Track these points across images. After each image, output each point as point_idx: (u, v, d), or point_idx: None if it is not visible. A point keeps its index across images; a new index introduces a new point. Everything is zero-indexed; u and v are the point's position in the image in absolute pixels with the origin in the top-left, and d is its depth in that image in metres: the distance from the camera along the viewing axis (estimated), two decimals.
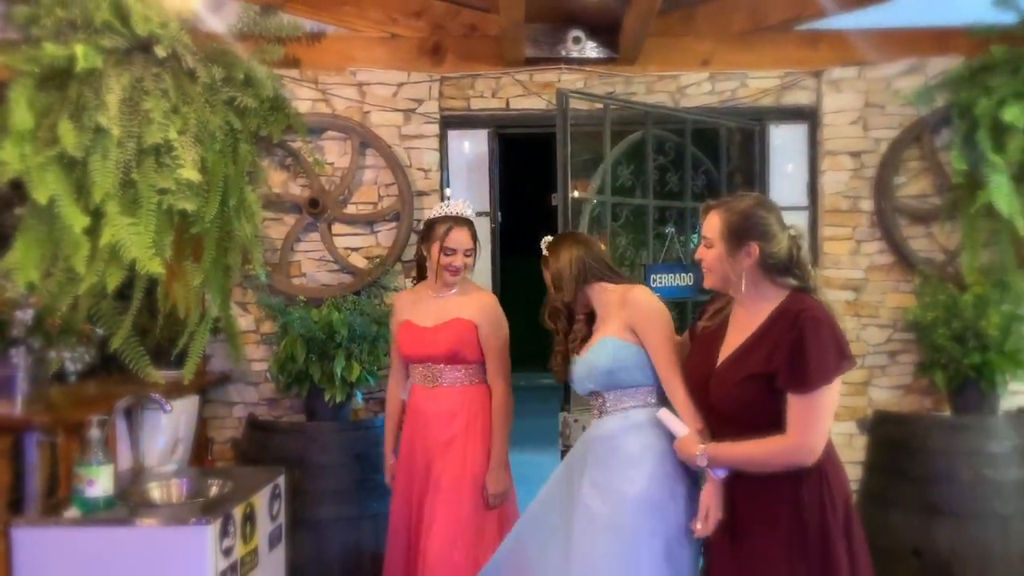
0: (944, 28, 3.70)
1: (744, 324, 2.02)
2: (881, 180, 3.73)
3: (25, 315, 2.61)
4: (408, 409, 2.87)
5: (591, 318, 2.36)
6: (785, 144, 3.89)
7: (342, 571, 3.23)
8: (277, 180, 3.68)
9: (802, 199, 3.87)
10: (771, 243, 1.98)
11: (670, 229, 3.69)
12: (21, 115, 2.60)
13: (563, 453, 3.13)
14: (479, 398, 2.80)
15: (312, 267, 3.72)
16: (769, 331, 1.95)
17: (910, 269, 3.73)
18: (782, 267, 1.99)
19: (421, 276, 2.95)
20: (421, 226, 2.95)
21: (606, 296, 2.30)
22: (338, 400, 3.32)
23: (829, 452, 1.95)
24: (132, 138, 2.70)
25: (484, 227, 3.78)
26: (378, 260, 3.67)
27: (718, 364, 2.03)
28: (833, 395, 1.91)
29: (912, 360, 3.73)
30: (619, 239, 3.66)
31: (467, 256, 2.78)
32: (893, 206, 3.73)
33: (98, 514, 2.37)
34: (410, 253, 3.61)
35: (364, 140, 3.69)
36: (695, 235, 3.68)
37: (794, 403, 1.88)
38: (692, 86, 3.83)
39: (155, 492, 2.66)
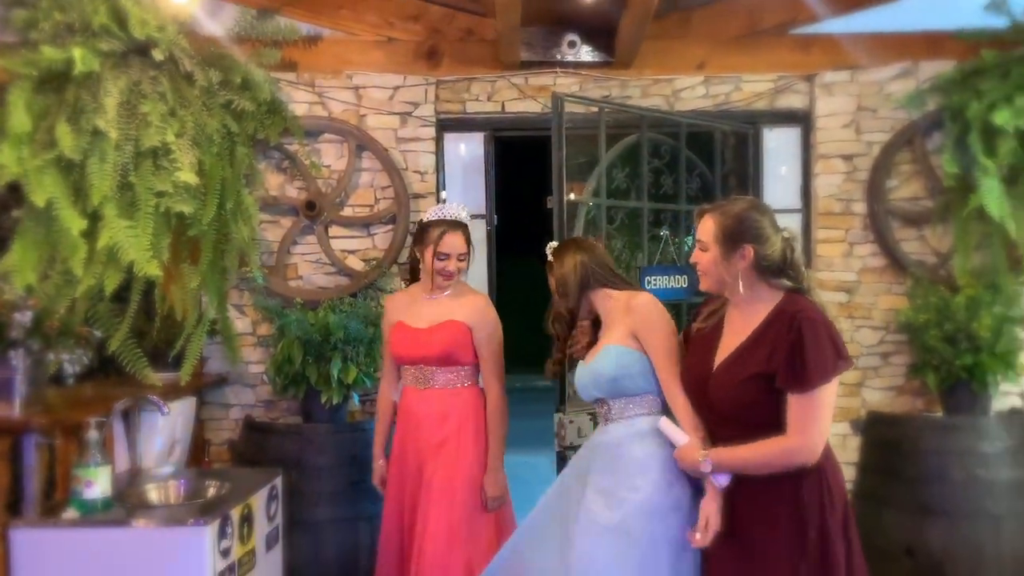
0: (935, 32, 3.73)
1: (740, 325, 2.05)
2: (874, 183, 3.76)
3: (24, 317, 2.62)
4: (400, 411, 2.86)
5: (596, 324, 2.36)
6: (778, 147, 3.92)
7: (339, 572, 3.23)
8: (274, 183, 3.70)
9: (795, 202, 3.90)
10: (765, 245, 2.01)
11: (665, 232, 3.71)
12: (19, 118, 2.61)
13: (559, 454, 3.15)
14: (471, 400, 2.80)
15: (309, 269, 3.73)
16: (766, 332, 1.98)
17: (902, 271, 3.76)
18: (776, 269, 2.01)
19: (414, 278, 2.95)
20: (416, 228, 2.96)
21: (610, 302, 2.30)
22: (335, 402, 3.33)
23: (827, 452, 1.98)
24: (130, 141, 2.71)
25: (480, 229, 3.80)
26: (375, 262, 3.69)
27: (716, 365, 2.05)
28: (832, 394, 1.94)
29: (904, 361, 3.75)
30: (614, 242, 3.69)
31: (461, 260, 2.78)
32: (885, 209, 3.76)
33: (96, 515, 2.37)
34: (406, 255, 3.62)
35: (360, 143, 3.70)
36: (689, 238, 3.70)
37: (794, 403, 1.91)
38: (687, 90, 3.85)
39: (153, 493, 2.66)
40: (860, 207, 3.80)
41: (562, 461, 3.18)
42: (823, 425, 1.93)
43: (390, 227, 3.72)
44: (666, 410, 2.20)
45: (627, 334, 2.22)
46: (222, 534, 2.40)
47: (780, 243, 2.03)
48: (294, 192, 3.72)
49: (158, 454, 2.88)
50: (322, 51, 3.71)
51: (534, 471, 4.54)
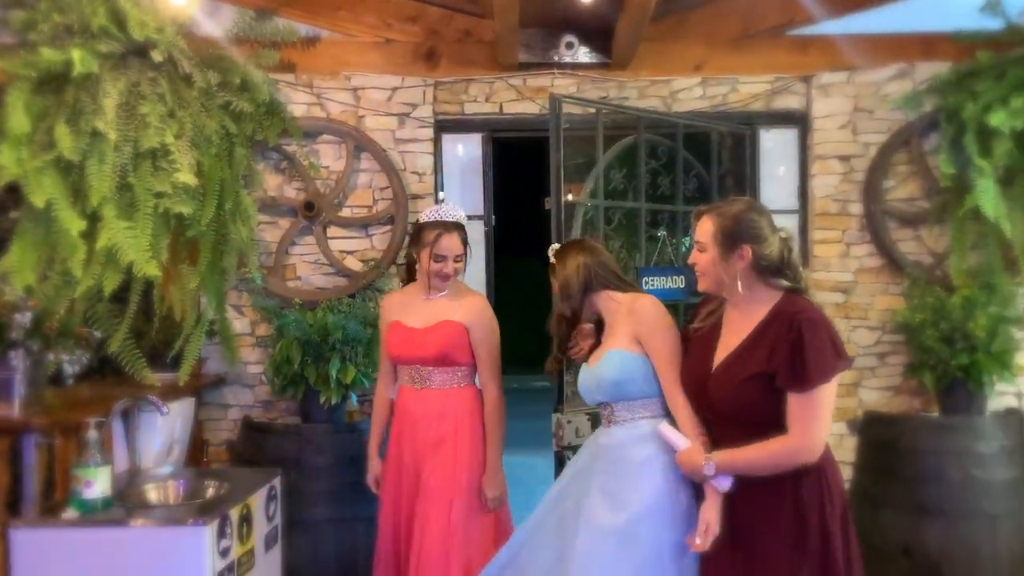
0: (931, 34, 3.75)
1: (739, 325, 2.06)
2: (870, 184, 3.78)
3: (23, 318, 2.62)
4: (396, 411, 2.86)
5: (599, 326, 2.36)
6: (775, 148, 3.94)
7: (337, 572, 3.24)
8: (272, 184, 3.70)
9: (792, 202, 3.91)
10: (763, 245, 2.02)
11: (662, 232, 3.72)
12: (18, 119, 2.61)
13: (557, 454, 3.16)
14: (468, 400, 2.80)
15: (307, 270, 3.74)
16: (765, 332, 2.00)
17: (899, 272, 3.77)
18: (774, 269, 2.03)
19: (411, 277, 2.94)
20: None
21: (613, 305, 2.30)
22: (333, 402, 3.34)
23: (826, 451, 2.00)
24: (129, 142, 2.72)
25: (478, 230, 3.81)
26: (373, 263, 3.69)
27: (715, 365, 2.06)
28: (831, 394, 1.95)
29: (901, 361, 3.77)
30: (612, 242, 3.69)
31: (457, 262, 2.77)
32: (882, 209, 3.77)
33: (96, 515, 2.38)
34: (405, 256, 3.63)
35: (359, 144, 3.71)
36: (687, 238, 3.71)
37: (795, 402, 1.93)
38: (684, 91, 3.87)
39: (152, 493, 2.67)
40: (857, 208, 3.81)
41: (560, 461, 3.19)
42: (824, 424, 1.95)
43: (388, 228, 3.73)
44: (668, 413, 2.20)
45: (630, 338, 2.21)
46: (221, 534, 2.40)
47: (778, 243, 2.05)
48: (293, 193, 3.73)
49: (157, 454, 2.89)
50: (320, 52, 3.71)
51: (532, 471, 4.54)
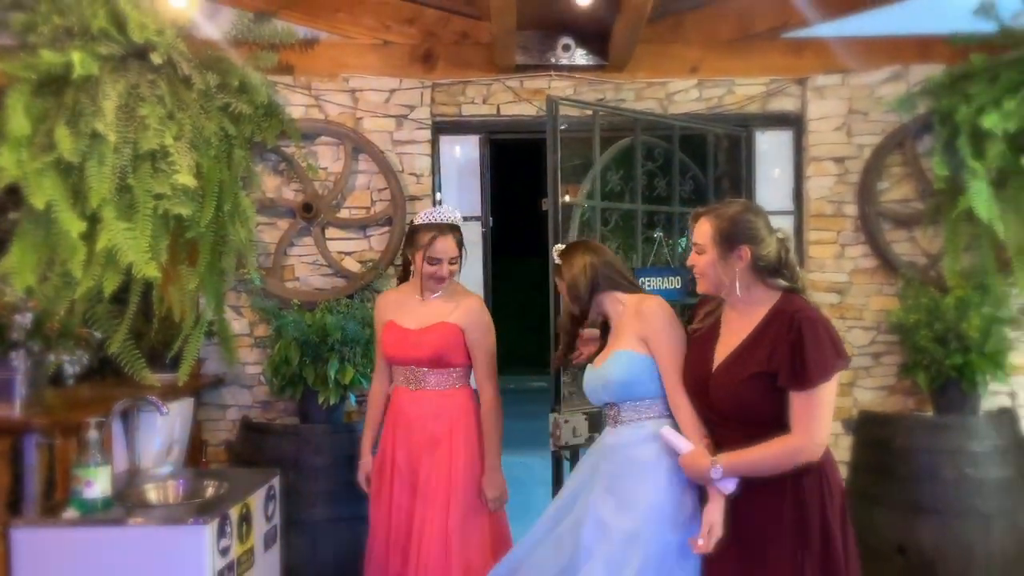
0: (926, 36, 3.77)
1: (738, 326, 2.08)
2: (865, 185, 3.80)
3: (24, 319, 2.63)
4: (390, 410, 2.84)
5: (605, 327, 2.36)
6: (771, 150, 3.96)
7: (336, 571, 3.25)
8: (271, 185, 3.72)
9: (787, 204, 3.94)
10: (761, 246, 2.05)
11: (658, 233, 3.74)
12: (18, 121, 2.63)
13: (554, 454, 3.18)
14: (463, 401, 2.80)
15: (306, 271, 3.76)
16: (765, 332, 2.02)
17: (893, 272, 3.80)
18: (772, 269, 2.05)
19: (406, 276, 2.92)
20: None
21: (620, 307, 2.30)
22: (332, 402, 3.36)
23: (826, 450, 2.01)
24: (128, 144, 2.73)
25: (476, 231, 3.83)
26: (371, 264, 3.71)
27: (715, 365, 2.08)
28: (832, 392, 1.97)
29: (895, 361, 3.80)
30: (608, 243, 3.70)
31: (452, 264, 2.75)
32: (876, 211, 3.80)
33: (96, 515, 2.39)
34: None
35: (357, 145, 3.73)
36: (683, 239, 3.73)
37: (796, 401, 1.95)
38: (680, 93, 3.89)
39: (152, 493, 2.68)
40: (851, 209, 3.84)
41: (557, 461, 3.21)
42: (825, 423, 1.97)
43: (386, 229, 3.75)
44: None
45: (637, 339, 2.21)
46: (221, 533, 2.42)
47: (775, 243, 2.07)
48: (291, 194, 3.75)
49: (156, 454, 2.90)
50: (319, 54, 3.73)
51: (529, 471, 4.56)
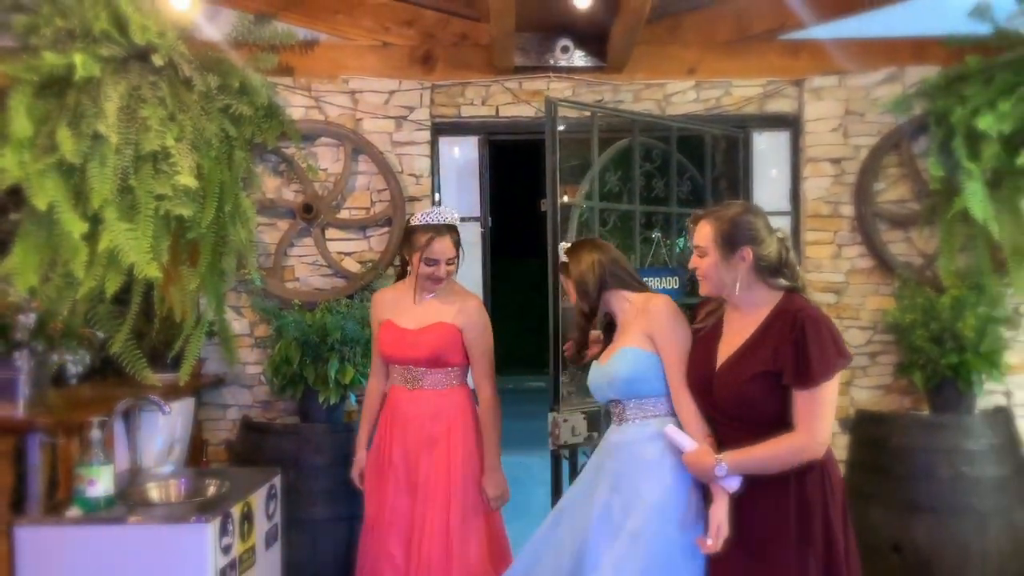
0: (921, 38, 3.80)
1: (740, 325, 2.10)
2: (861, 186, 3.83)
3: (28, 319, 2.64)
4: (386, 408, 2.84)
5: (611, 326, 2.36)
6: (768, 151, 3.98)
7: (335, 570, 3.27)
8: (271, 186, 3.74)
9: (784, 204, 3.96)
10: (762, 247, 2.07)
11: (656, 234, 3.76)
12: (20, 123, 2.63)
13: (553, 453, 3.20)
14: (461, 401, 2.80)
15: (306, 271, 3.77)
16: (768, 331, 2.04)
17: (889, 273, 3.82)
18: (773, 268, 2.08)
19: (403, 275, 2.92)
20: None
21: (627, 305, 2.30)
22: (332, 402, 3.37)
23: (827, 449, 2.03)
24: (130, 145, 2.74)
25: (474, 232, 3.86)
26: (370, 264, 3.73)
27: (719, 365, 2.10)
28: (834, 391, 2.00)
29: (892, 361, 3.82)
30: None
31: (449, 264, 2.74)
32: (873, 211, 3.82)
33: (99, 513, 2.41)
34: None
35: (357, 147, 3.75)
36: (681, 239, 3.76)
37: (800, 399, 1.97)
38: (678, 94, 3.91)
39: (154, 492, 2.69)
40: (848, 210, 3.86)
41: (556, 460, 3.23)
42: (828, 421, 1.99)
43: (386, 229, 3.77)
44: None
45: (643, 336, 2.22)
46: (223, 531, 2.43)
47: (775, 243, 2.09)
48: (291, 195, 3.76)
49: (158, 453, 2.92)
50: (318, 56, 3.75)
51: (527, 471, 4.58)
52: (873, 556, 3.33)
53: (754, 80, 3.91)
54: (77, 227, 2.63)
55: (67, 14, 2.77)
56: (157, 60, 2.82)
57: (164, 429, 2.91)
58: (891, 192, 3.86)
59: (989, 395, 3.70)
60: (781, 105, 3.93)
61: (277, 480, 2.95)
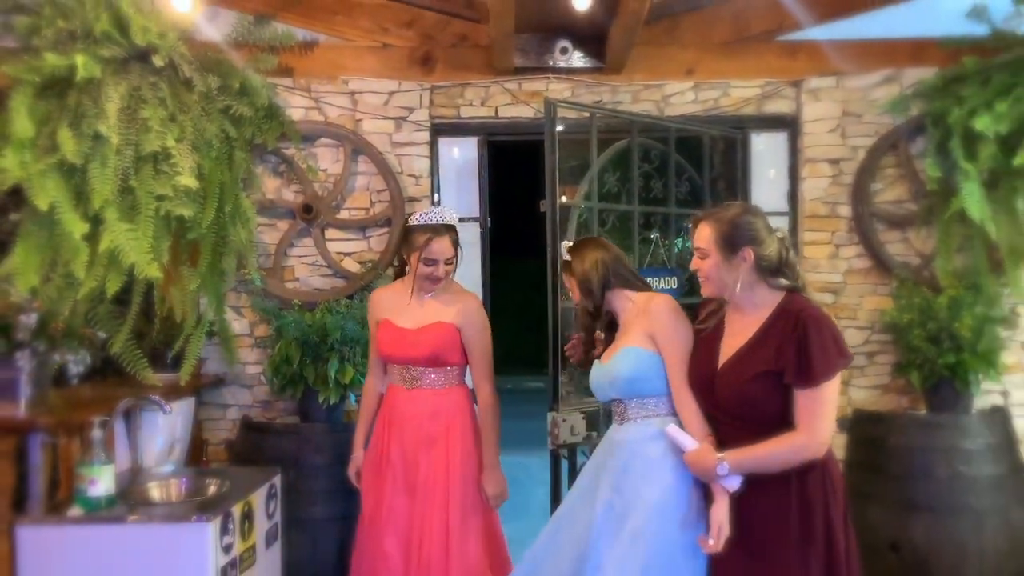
0: (919, 39, 3.81)
1: (742, 325, 2.11)
2: (859, 186, 3.84)
3: (29, 319, 2.65)
4: (384, 407, 2.84)
5: (613, 325, 2.36)
6: (766, 151, 4.00)
7: (335, 569, 3.27)
8: (271, 186, 3.74)
9: (782, 205, 3.97)
10: (762, 247, 2.08)
11: (655, 234, 3.77)
12: (22, 123, 2.65)
13: (552, 453, 3.21)
14: (459, 400, 2.80)
15: (306, 272, 3.78)
16: (771, 331, 2.05)
17: (887, 273, 3.83)
18: (774, 268, 2.09)
19: (401, 274, 2.91)
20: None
21: (628, 304, 2.31)
22: (332, 402, 3.38)
23: (828, 448, 2.05)
24: (130, 146, 2.76)
25: (474, 232, 3.87)
26: (370, 265, 3.74)
27: (721, 364, 2.11)
28: (835, 391, 2.01)
29: (889, 361, 3.83)
30: None
31: (448, 264, 2.74)
32: (870, 212, 3.84)
33: (100, 512, 2.42)
34: None
35: (356, 147, 3.76)
36: (679, 240, 3.78)
37: (802, 398, 1.98)
38: (676, 95, 3.92)
39: (155, 491, 2.70)
40: (846, 210, 3.87)
41: (556, 459, 3.24)
42: (829, 420, 2.00)
43: (386, 230, 3.78)
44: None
45: (645, 336, 2.22)
46: (224, 530, 2.44)
47: (776, 243, 2.11)
48: (291, 196, 3.77)
49: (159, 453, 2.93)
50: (318, 57, 3.75)
51: (526, 471, 4.59)
52: (871, 555, 3.34)
53: (752, 81, 3.92)
54: (78, 227, 2.64)
55: (68, 15, 2.79)
56: (158, 61, 2.84)
57: (165, 429, 2.92)
58: (888, 192, 3.87)
59: (986, 395, 3.71)
60: (779, 106, 3.94)
61: (277, 480, 2.96)
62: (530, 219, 3.63)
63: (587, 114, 3.46)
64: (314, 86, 3.78)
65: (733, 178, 3.98)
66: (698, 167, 3.84)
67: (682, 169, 3.80)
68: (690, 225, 2.22)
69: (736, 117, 3.93)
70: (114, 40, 2.81)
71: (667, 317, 2.22)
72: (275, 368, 3.41)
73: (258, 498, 2.76)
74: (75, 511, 2.42)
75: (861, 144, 3.86)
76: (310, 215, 3.71)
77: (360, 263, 3.77)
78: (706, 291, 2.18)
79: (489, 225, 3.96)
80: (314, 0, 3.76)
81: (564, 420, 3.14)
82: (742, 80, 3.92)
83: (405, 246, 2.79)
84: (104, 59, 2.78)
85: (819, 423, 1.98)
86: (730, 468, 2.02)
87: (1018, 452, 3.58)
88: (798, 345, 1.97)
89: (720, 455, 2.03)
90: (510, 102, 3.88)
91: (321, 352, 3.37)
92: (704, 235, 2.13)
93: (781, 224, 3.85)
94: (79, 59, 2.69)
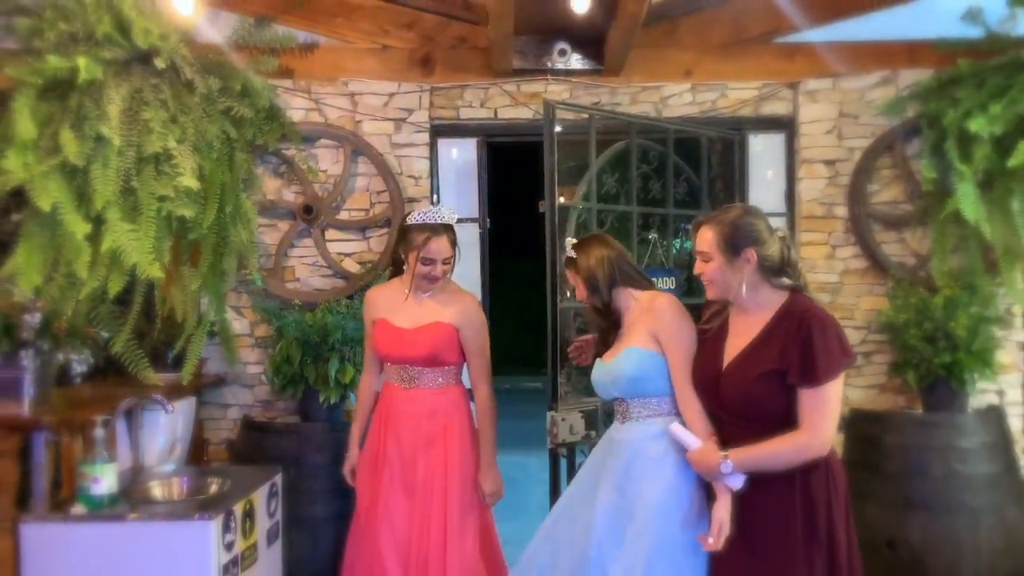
0: (914, 41, 3.84)
1: (746, 326, 2.13)
2: (855, 187, 3.86)
3: (33, 318, 2.67)
4: (381, 406, 2.84)
5: (616, 323, 2.35)
6: (763, 153, 4.02)
7: (335, 567, 3.28)
8: (272, 187, 3.76)
9: (779, 206, 3.99)
10: (764, 247, 2.10)
11: (653, 235, 3.79)
12: (24, 125, 2.67)
13: (551, 452, 3.23)
14: (456, 399, 2.81)
15: (306, 272, 3.80)
16: (775, 331, 2.06)
17: (883, 273, 3.86)
18: (776, 268, 2.10)
19: (397, 272, 2.90)
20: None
21: (633, 303, 2.31)
22: (332, 401, 3.40)
23: (831, 448, 2.07)
24: (132, 147, 2.78)
25: (473, 232, 3.89)
26: (370, 265, 3.76)
27: (725, 364, 2.12)
28: (838, 390, 2.02)
29: (886, 360, 3.85)
30: None
31: (446, 264, 2.72)
32: (867, 212, 3.86)
33: (103, 510, 2.44)
34: None
35: (356, 148, 3.78)
36: (677, 240, 3.80)
37: (805, 398, 1.99)
38: (674, 96, 3.95)
39: (157, 490, 2.71)
40: (842, 211, 3.89)
41: (555, 458, 3.26)
42: (833, 420, 2.01)
43: (385, 230, 3.80)
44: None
45: (648, 335, 2.22)
46: (226, 528, 2.46)
47: (777, 243, 2.12)
48: (291, 196, 3.79)
49: (160, 452, 2.94)
50: (318, 58, 3.78)
51: (525, 471, 4.62)
52: (868, 553, 3.30)
53: (750, 83, 3.94)
54: (80, 228, 2.66)
55: (70, 18, 2.81)
56: (159, 63, 2.86)
57: (166, 428, 2.93)
58: (884, 193, 3.89)
59: (981, 394, 3.74)
60: (776, 107, 3.96)
61: (278, 478, 2.98)
62: (529, 220, 3.65)
63: (586, 115, 3.48)
64: (314, 88, 3.80)
65: (731, 179, 4.01)
66: (696, 168, 3.86)
67: (680, 170, 3.82)
68: (690, 229, 2.23)
69: (734, 118, 3.95)
70: (116, 42, 2.83)
71: (671, 316, 2.23)
72: (276, 368, 3.43)
73: (259, 497, 2.77)
74: (78, 509, 2.44)
75: (857, 145, 3.89)
76: (310, 216, 3.73)
77: (360, 264, 3.78)
78: (711, 294, 2.19)
79: (488, 226, 3.98)
80: (314, 2, 3.78)
81: (563, 419, 3.16)
82: (740, 82, 3.94)
83: (403, 245, 2.77)
84: (106, 61, 2.80)
85: (823, 422, 1.99)
86: (733, 467, 2.03)
87: (1013, 451, 3.61)
88: (802, 345, 1.98)
89: (724, 453, 2.05)
90: (509, 103, 3.90)
91: (322, 352, 3.39)
92: (706, 239, 2.14)
93: (778, 224, 3.88)
94: (81, 61, 2.71)
